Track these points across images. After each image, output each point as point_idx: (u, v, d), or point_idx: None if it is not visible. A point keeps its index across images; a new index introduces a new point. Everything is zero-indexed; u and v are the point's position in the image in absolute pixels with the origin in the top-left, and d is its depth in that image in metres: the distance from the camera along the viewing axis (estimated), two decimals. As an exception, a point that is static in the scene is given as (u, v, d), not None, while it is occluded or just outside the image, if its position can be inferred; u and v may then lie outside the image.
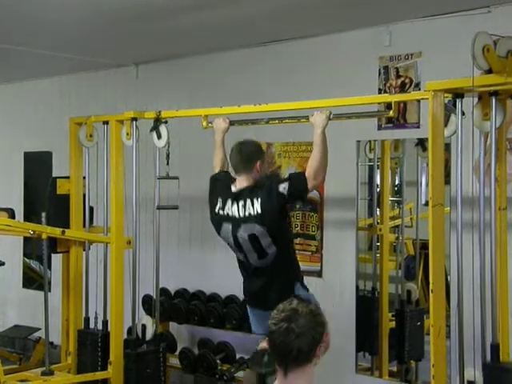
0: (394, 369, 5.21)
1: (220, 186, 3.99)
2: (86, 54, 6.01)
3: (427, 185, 3.37)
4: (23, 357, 6.57)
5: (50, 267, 5.44)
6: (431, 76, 3.82)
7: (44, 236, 4.68)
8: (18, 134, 7.64)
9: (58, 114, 6.84)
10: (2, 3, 4.40)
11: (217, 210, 3.90)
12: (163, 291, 5.69)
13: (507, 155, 3.41)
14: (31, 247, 7.32)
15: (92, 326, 5.08)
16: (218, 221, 3.91)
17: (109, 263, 4.95)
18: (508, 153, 3.45)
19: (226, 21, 4.79)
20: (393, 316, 5.22)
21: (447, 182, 3.91)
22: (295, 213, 5.24)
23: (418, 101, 4.37)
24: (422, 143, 4.88)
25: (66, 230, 4.89)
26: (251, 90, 5.43)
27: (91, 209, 5.27)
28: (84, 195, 5.20)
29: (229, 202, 3.83)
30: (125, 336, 4.93)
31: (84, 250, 5.18)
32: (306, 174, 3.66)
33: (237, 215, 3.78)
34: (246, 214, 3.74)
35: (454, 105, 3.32)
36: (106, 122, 4.97)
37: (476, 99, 3.32)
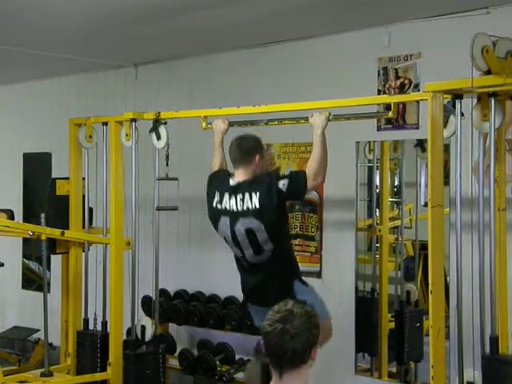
0: (394, 370, 5.21)
1: (217, 180, 3.98)
2: (85, 55, 6.01)
3: (426, 186, 3.37)
4: (22, 358, 6.56)
5: (49, 268, 5.44)
6: (430, 77, 3.82)
7: (43, 237, 4.68)
8: (17, 134, 7.64)
9: (57, 115, 6.85)
10: (1, 5, 4.41)
11: (214, 204, 3.87)
12: (162, 292, 5.69)
13: (506, 156, 3.41)
14: (30, 248, 7.31)
15: (91, 327, 5.08)
16: (215, 215, 3.88)
17: (108, 264, 4.95)
18: (507, 153, 3.45)
19: (225, 22, 4.79)
20: (392, 317, 5.21)
21: (446, 182, 3.91)
22: (294, 214, 5.25)
23: (418, 102, 4.38)
24: (421, 144, 4.88)
25: (65, 230, 4.88)
26: (251, 91, 5.43)
27: (90, 210, 5.26)
28: (83, 196, 5.20)
29: (226, 195, 3.81)
30: (124, 337, 4.93)
31: (83, 250, 5.18)
32: (307, 174, 3.67)
33: (235, 208, 3.76)
34: (244, 207, 3.72)
35: (454, 106, 3.32)
36: (105, 123, 4.97)
37: (475, 100, 3.32)
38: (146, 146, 4.86)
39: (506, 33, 3.25)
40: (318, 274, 5.13)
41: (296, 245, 5.13)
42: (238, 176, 3.83)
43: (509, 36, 3.20)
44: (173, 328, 5.88)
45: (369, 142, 5.13)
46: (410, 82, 4.64)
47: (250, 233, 3.72)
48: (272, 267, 3.77)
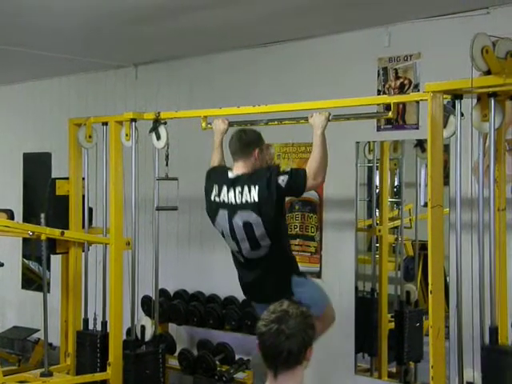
0: (393, 370, 5.20)
1: (216, 173, 3.97)
2: (85, 55, 6.01)
3: (426, 186, 3.37)
4: (22, 358, 6.56)
5: (49, 268, 5.45)
6: (430, 77, 3.82)
7: (43, 237, 4.68)
8: (17, 134, 7.64)
9: (57, 115, 6.85)
10: (1, 5, 4.41)
11: (212, 198, 3.86)
12: (162, 292, 5.69)
13: (506, 156, 3.41)
14: (30, 248, 7.31)
15: (91, 327, 5.08)
16: (213, 208, 3.86)
17: (108, 264, 4.95)
18: (507, 154, 3.45)
19: (225, 22, 4.79)
20: (392, 317, 5.22)
21: (446, 182, 3.91)
22: (294, 214, 5.25)
23: (417, 102, 4.38)
24: (421, 144, 4.89)
25: (65, 230, 4.88)
26: (250, 91, 5.44)
27: (90, 210, 5.26)
28: (83, 196, 5.20)
29: (224, 188, 3.80)
30: (124, 337, 4.93)
31: (83, 250, 5.18)
32: (307, 173, 3.67)
33: (233, 201, 3.74)
34: (243, 200, 3.70)
35: (453, 106, 3.32)
36: (105, 123, 4.97)
37: (475, 100, 3.32)
38: (146, 146, 4.86)
39: (506, 33, 3.25)
40: (318, 274, 5.12)
41: (296, 245, 5.13)
42: (237, 169, 3.82)
43: (509, 36, 3.20)
44: (173, 328, 5.88)
45: (369, 142, 5.13)
46: (410, 82, 4.64)
47: (247, 226, 3.69)
48: (269, 263, 3.76)
